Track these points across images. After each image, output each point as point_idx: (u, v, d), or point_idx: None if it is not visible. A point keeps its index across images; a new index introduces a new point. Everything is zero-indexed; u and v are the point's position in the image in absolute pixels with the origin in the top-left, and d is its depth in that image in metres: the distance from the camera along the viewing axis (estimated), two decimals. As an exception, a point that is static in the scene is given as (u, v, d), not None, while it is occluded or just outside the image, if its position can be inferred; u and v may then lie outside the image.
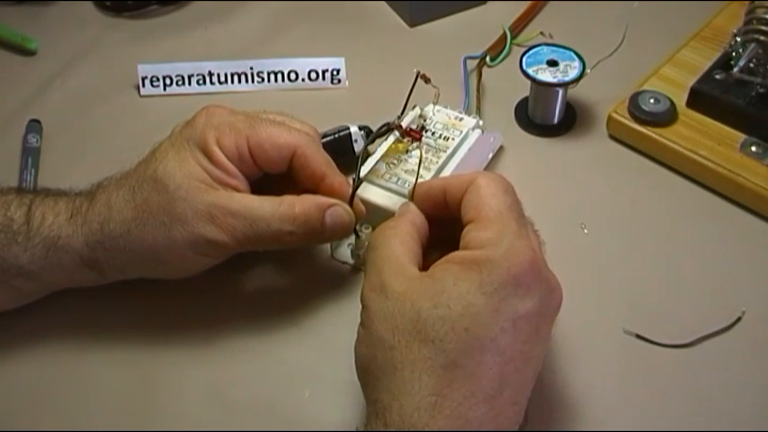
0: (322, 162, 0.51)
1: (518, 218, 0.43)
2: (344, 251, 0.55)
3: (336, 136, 0.60)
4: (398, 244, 0.44)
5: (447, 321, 0.40)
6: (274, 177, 0.52)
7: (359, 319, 0.43)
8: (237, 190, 0.50)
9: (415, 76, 0.54)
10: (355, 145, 0.60)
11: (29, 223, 0.49)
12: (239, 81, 0.69)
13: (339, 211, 0.50)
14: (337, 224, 0.50)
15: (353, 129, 0.61)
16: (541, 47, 0.63)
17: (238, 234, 0.48)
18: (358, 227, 0.52)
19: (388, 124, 0.55)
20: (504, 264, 0.41)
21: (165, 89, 0.69)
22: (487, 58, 0.69)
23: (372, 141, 0.56)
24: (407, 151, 0.55)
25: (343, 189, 0.51)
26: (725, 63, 0.63)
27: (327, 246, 0.55)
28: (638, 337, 0.51)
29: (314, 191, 0.51)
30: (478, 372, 0.39)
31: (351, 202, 0.51)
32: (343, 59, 0.69)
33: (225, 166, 0.49)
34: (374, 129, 0.60)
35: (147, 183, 0.49)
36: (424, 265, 0.43)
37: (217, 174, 0.49)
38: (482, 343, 0.40)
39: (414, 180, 0.53)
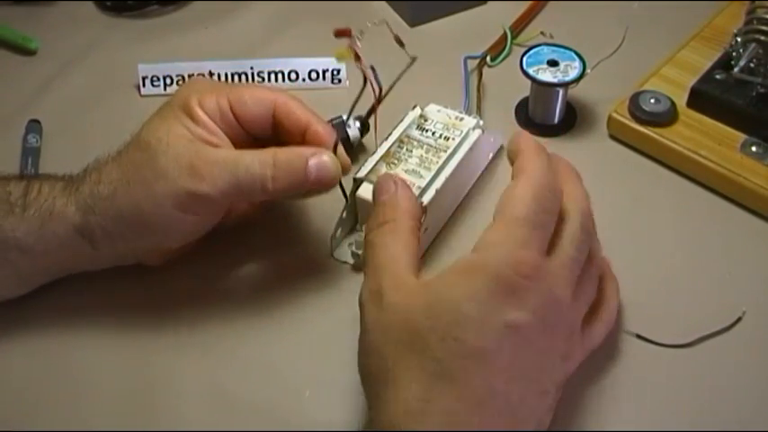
0: (305, 110, 0.52)
1: (532, 227, 0.43)
2: (344, 251, 0.55)
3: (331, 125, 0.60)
4: (401, 248, 0.44)
5: (437, 330, 0.40)
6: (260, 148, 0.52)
7: (359, 319, 0.44)
8: (219, 147, 0.50)
9: (409, 62, 0.53)
10: (349, 131, 0.61)
11: (26, 195, 0.50)
12: (239, 81, 0.69)
13: (323, 157, 0.50)
14: (321, 170, 0.49)
15: (346, 116, 0.61)
16: (542, 47, 0.63)
17: (219, 183, 0.48)
18: (359, 226, 0.52)
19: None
20: (496, 270, 0.41)
21: (165, 89, 0.69)
22: (488, 58, 0.69)
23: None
24: (400, 154, 0.55)
25: (329, 137, 0.51)
26: (725, 63, 0.62)
27: (327, 246, 0.55)
28: (639, 337, 0.51)
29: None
30: (465, 379, 0.39)
31: (334, 150, 0.51)
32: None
33: (206, 124, 0.50)
34: (373, 128, 0.61)
35: (132, 145, 0.50)
36: None
37: (198, 131, 0.50)
38: (471, 351, 0.40)
39: (415, 180, 0.53)
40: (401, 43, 0.51)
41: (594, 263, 0.48)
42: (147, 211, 0.48)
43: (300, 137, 0.52)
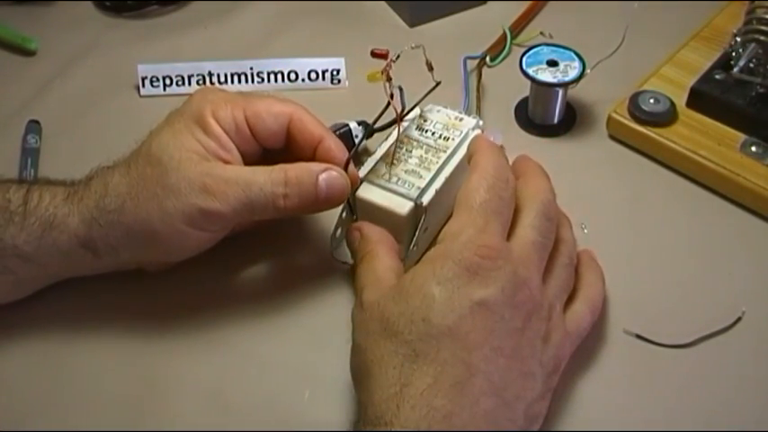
0: (318, 125, 0.52)
1: (489, 214, 0.45)
2: (344, 251, 0.55)
3: (336, 134, 0.60)
4: (381, 265, 0.47)
5: (406, 314, 0.42)
6: (269, 160, 0.52)
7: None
8: (231, 164, 0.50)
9: (434, 84, 0.55)
10: (356, 140, 0.60)
11: (26, 204, 0.49)
12: (239, 81, 0.69)
13: (332, 173, 0.50)
14: (331, 186, 0.50)
15: (353, 124, 0.61)
16: (541, 47, 0.63)
17: (231, 200, 0.48)
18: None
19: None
20: (458, 255, 0.43)
21: (164, 89, 0.69)
22: (487, 59, 0.69)
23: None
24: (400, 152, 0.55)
25: (340, 153, 0.52)
26: (725, 63, 0.63)
27: (327, 245, 0.55)
28: (638, 337, 0.51)
29: (311, 160, 0.51)
30: (439, 358, 0.41)
31: (346, 167, 0.51)
32: (343, 59, 0.69)
33: (219, 137, 0.50)
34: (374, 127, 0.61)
35: (142, 158, 0.49)
36: None
37: (211, 146, 0.49)
38: (439, 330, 0.41)
39: (415, 180, 0.53)
40: (431, 68, 0.54)
41: (565, 251, 0.49)
42: (157, 226, 0.48)
43: (312, 151, 0.52)
